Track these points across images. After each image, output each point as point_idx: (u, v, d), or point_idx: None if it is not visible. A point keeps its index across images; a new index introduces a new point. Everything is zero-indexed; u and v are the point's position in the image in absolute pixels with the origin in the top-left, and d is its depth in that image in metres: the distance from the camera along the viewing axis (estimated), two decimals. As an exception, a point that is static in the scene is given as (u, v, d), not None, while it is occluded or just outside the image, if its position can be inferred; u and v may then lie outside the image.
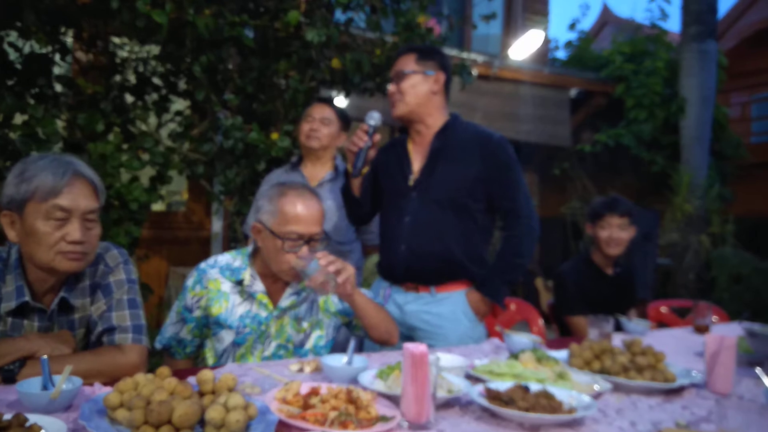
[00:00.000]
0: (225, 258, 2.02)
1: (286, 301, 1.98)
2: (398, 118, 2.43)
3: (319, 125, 2.95)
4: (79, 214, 1.55)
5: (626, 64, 8.51)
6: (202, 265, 2.00)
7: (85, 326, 1.69)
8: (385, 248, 2.49)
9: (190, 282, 1.98)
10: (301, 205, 1.88)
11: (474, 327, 2.40)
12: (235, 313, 1.95)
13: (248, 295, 1.96)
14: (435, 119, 2.42)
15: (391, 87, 2.42)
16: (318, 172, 3.00)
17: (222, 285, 1.96)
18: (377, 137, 2.28)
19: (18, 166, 1.56)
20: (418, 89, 2.37)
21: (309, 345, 2.02)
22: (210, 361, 2.00)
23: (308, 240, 1.89)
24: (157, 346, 2.04)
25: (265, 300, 1.96)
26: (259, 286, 1.96)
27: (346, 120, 3.07)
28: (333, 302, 2.08)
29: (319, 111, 3.00)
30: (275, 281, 1.98)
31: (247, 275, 1.96)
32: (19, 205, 1.54)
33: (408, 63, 2.39)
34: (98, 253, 1.71)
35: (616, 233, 2.98)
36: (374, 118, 2.28)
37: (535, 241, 2.43)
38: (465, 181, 2.34)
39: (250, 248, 2.04)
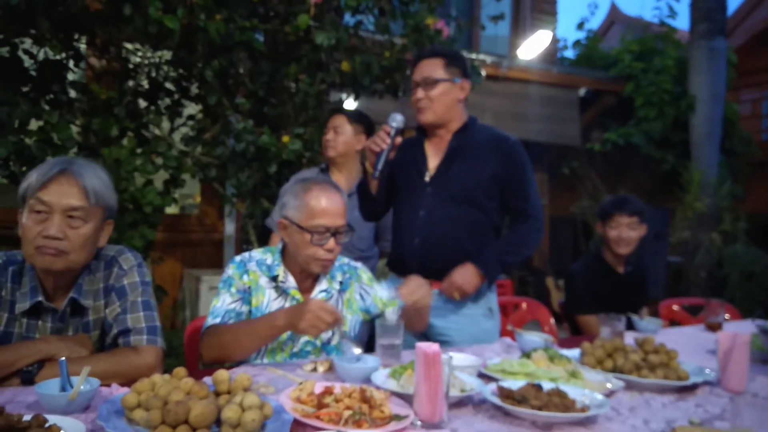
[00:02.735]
0: (257, 254, 2.06)
1: (316, 297, 2.02)
2: (425, 124, 2.44)
3: (332, 135, 3.08)
4: (60, 210, 1.55)
5: (635, 62, 8.47)
6: (239, 258, 2.04)
7: (100, 328, 1.71)
8: (397, 241, 2.51)
9: (234, 272, 1.99)
10: (326, 199, 1.93)
11: (487, 320, 2.42)
12: (271, 308, 1.98)
13: (282, 291, 2.00)
14: (456, 123, 2.45)
15: (419, 93, 2.38)
16: (344, 181, 3.04)
17: (260, 278, 2.00)
18: (399, 140, 2.28)
19: None
20: (447, 98, 2.38)
21: (335, 342, 2.06)
22: None
23: (334, 232, 1.94)
24: (216, 321, 1.92)
25: (298, 296, 2.00)
26: (291, 282, 2.01)
27: (364, 122, 3.12)
28: (356, 299, 2.11)
29: (332, 121, 3.12)
30: (306, 278, 2.02)
31: (281, 271, 2.01)
32: (22, 201, 1.59)
33: (437, 69, 2.37)
34: (112, 256, 1.74)
35: (625, 232, 2.98)
36: (396, 120, 2.27)
37: (539, 241, 2.47)
38: (481, 179, 2.37)
39: (279, 245, 2.08)
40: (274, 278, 2.00)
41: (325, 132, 3.13)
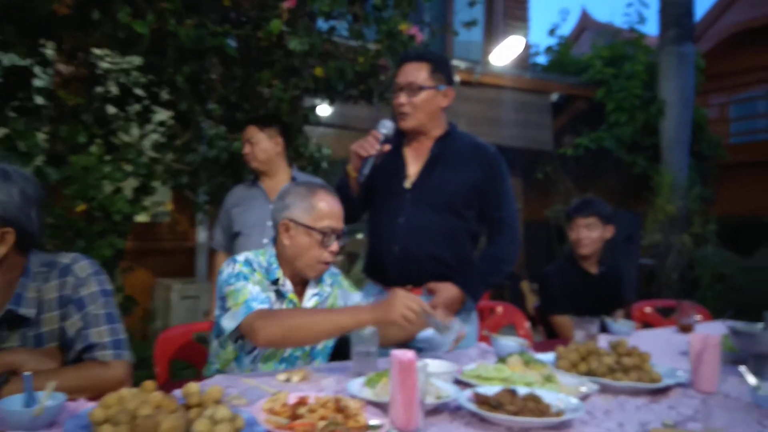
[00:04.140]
0: (251, 255, 2.01)
1: (309, 301, 2.03)
2: (406, 130, 2.41)
3: (248, 147, 3.15)
4: None
5: (606, 68, 8.61)
6: (242, 257, 1.96)
7: (57, 340, 1.63)
8: (376, 249, 2.47)
9: (244, 268, 1.92)
10: (331, 202, 1.99)
11: (467, 325, 2.41)
12: None
13: (281, 295, 1.99)
14: (438, 130, 2.43)
15: (401, 98, 2.34)
16: (276, 185, 3.06)
17: (263, 280, 1.99)
18: (387, 147, 2.25)
19: None
20: (431, 105, 2.35)
21: (320, 345, 2.06)
22: (232, 356, 1.98)
23: (338, 234, 1.97)
24: (264, 306, 1.85)
25: (295, 299, 2.00)
26: (289, 286, 2.00)
27: (275, 124, 3.18)
28: (338, 305, 2.11)
29: (244, 135, 3.19)
30: (298, 282, 2.03)
31: (281, 274, 1.99)
32: None
33: (421, 76, 2.32)
34: (66, 264, 1.64)
35: (583, 233, 3.05)
36: (386, 126, 2.24)
37: (518, 252, 2.47)
38: (462, 187, 2.36)
39: (272, 249, 2.04)
40: (275, 281, 1.99)
41: (242, 147, 3.20)
